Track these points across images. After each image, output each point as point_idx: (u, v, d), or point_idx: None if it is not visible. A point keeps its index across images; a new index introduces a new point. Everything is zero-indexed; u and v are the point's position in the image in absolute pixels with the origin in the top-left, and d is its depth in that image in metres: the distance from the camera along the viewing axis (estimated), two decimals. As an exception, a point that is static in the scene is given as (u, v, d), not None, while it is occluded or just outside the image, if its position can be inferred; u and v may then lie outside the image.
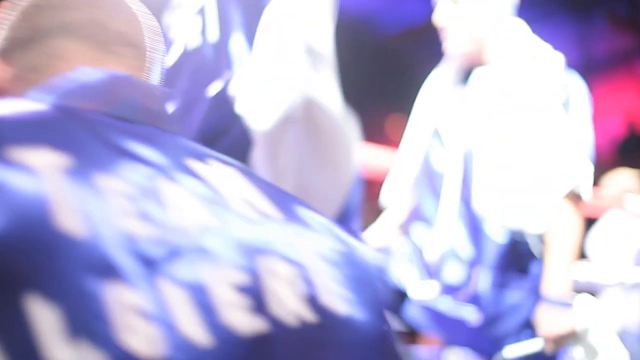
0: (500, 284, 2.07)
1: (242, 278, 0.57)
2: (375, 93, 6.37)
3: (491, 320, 2.06)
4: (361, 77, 6.27)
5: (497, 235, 2.07)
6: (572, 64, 2.19)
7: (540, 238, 2.07)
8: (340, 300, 0.63)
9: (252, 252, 0.59)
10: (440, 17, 2.19)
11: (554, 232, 2.04)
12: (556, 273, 2.01)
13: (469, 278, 2.10)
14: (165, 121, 0.69)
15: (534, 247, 2.07)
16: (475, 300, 2.07)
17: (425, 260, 2.20)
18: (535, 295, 2.05)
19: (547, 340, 1.99)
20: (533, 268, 2.09)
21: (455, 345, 2.11)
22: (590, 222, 3.71)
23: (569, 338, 1.98)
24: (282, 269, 0.60)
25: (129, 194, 0.56)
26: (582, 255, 3.66)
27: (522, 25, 2.23)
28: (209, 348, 0.52)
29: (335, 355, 0.60)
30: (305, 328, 0.59)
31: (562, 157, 2.06)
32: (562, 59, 2.15)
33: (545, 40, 2.21)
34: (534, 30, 2.23)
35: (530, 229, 2.05)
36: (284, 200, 0.68)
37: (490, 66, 2.19)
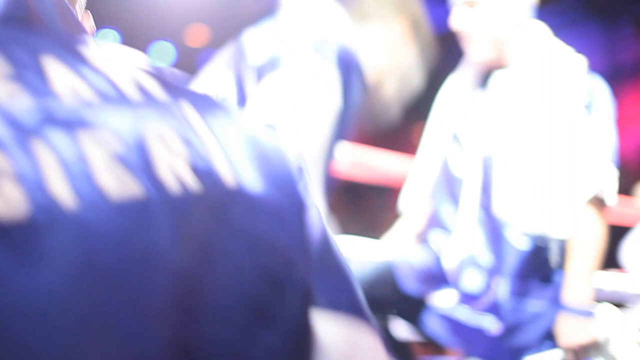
0: (521, 292, 2.01)
1: (122, 145, 0.57)
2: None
3: (511, 330, 2.01)
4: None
5: (518, 242, 2.01)
6: (599, 71, 2.14)
7: (563, 244, 2.02)
8: (234, 172, 0.62)
9: (136, 123, 0.59)
10: (456, 22, 2.15)
11: (577, 238, 1.99)
12: (577, 281, 1.96)
13: (488, 286, 2.05)
14: (65, 23, 0.67)
15: (556, 254, 2.02)
16: (494, 309, 2.02)
17: (444, 267, 2.15)
18: (557, 305, 1.99)
19: (567, 350, 1.93)
20: (555, 276, 2.03)
21: (474, 356, 2.05)
22: (623, 231, 3.64)
23: (591, 348, 1.93)
24: (170, 139, 0.60)
25: (4, 66, 0.57)
26: (616, 265, 3.58)
27: (542, 28, 2.18)
28: (75, 210, 0.52)
29: (223, 224, 0.60)
30: (190, 195, 0.59)
31: (585, 161, 2.00)
32: (584, 61, 2.10)
33: (572, 47, 2.16)
34: (560, 37, 2.18)
35: (552, 235, 2.00)
36: (181, 88, 0.67)
37: (510, 69, 2.14)
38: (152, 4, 5.74)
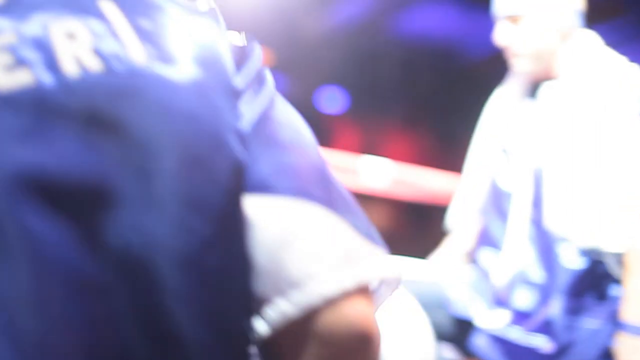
0: (575, 309, 1.93)
1: (23, 44, 0.59)
2: (462, 119, 6.25)
3: (565, 349, 1.93)
4: (448, 102, 6.17)
5: (571, 257, 1.94)
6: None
7: (620, 259, 1.93)
8: (148, 54, 0.62)
9: (42, 22, 0.60)
10: (500, 38, 2.11)
11: (635, 251, 1.90)
12: (636, 297, 1.87)
13: (540, 304, 1.97)
14: None
15: (613, 268, 1.93)
16: (547, 328, 1.94)
17: (494, 286, 2.08)
18: (614, 322, 1.90)
19: (626, 371, 1.84)
20: (612, 292, 1.94)
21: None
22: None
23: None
24: (77, 31, 0.61)
25: None
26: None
27: (593, 37, 2.11)
28: None
29: (132, 100, 0.60)
30: (91, 77, 0.59)
31: None
32: (638, 70, 2.02)
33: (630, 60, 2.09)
34: (621, 53, 2.11)
35: (608, 248, 1.91)
36: None
37: (560, 80, 2.08)
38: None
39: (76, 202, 0.55)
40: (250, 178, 0.63)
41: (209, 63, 0.64)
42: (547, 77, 2.12)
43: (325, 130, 6.84)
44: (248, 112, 0.65)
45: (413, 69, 6.24)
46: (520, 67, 2.12)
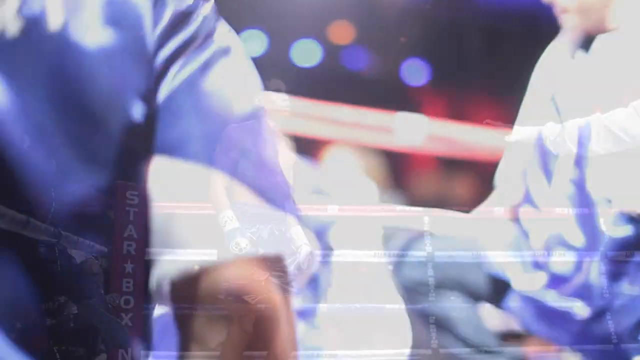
0: (615, 275, 1.86)
1: None
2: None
3: (600, 314, 1.86)
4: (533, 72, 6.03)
5: (613, 221, 1.86)
6: None
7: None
8: (67, 20, 0.64)
9: None
10: None
11: None
12: None
13: (578, 268, 1.91)
14: None
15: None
16: (585, 292, 1.88)
17: (532, 247, 2.02)
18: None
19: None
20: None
21: (561, 343, 1.92)
22: None
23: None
24: None
25: None
26: None
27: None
28: None
29: (38, 61, 0.62)
30: (8, 39, 0.62)
31: None
32: None
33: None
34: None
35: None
36: None
37: (614, 33, 2.00)
38: (296, 3, 5.89)
39: None
40: (159, 142, 0.66)
41: (125, 28, 0.66)
42: (600, 31, 2.04)
43: (411, 103, 6.79)
44: (172, 79, 0.67)
45: (498, 38, 6.11)
46: (568, 22, 2.07)
